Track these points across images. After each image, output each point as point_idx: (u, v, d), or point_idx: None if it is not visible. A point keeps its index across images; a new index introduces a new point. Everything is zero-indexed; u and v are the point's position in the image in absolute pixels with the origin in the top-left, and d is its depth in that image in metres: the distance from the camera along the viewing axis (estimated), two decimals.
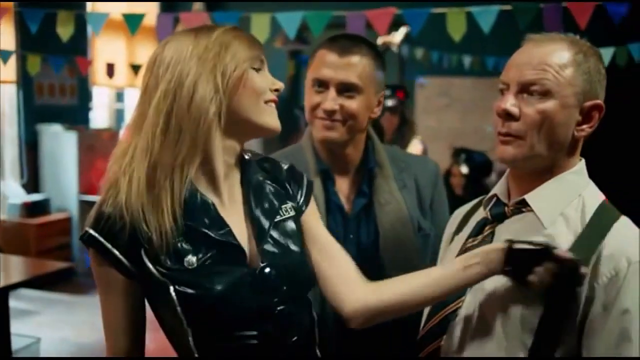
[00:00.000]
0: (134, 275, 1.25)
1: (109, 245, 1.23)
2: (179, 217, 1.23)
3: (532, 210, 1.33)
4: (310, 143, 1.78)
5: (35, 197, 6.37)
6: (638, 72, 5.59)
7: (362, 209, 1.75)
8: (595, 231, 1.25)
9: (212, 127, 1.26)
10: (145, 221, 1.22)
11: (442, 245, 1.63)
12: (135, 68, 5.90)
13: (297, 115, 7.14)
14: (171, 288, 1.21)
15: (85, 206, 6.57)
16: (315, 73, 1.69)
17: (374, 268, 1.65)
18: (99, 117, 7.65)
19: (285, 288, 1.30)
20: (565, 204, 1.31)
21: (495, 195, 1.42)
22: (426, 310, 1.46)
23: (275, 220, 1.36)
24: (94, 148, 6.66)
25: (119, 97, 8.04)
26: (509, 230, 1.35)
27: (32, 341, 4.21)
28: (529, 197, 1.33)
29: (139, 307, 1.31)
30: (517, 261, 1.24)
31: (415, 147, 4.54)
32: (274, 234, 1.34)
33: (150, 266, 1.23)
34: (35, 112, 6.52)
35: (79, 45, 6.58)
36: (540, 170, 1.33)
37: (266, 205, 1.36)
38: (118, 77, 6.22)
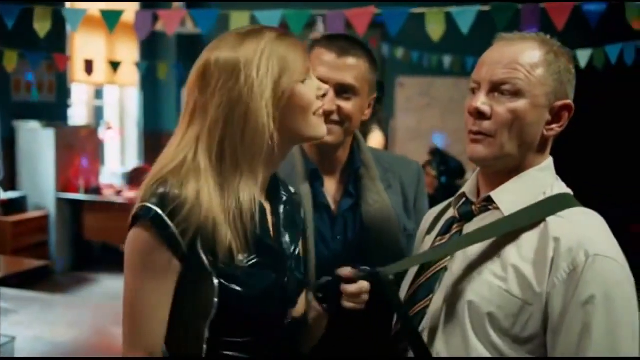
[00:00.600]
0: (185, 259, 1.25)
1: (171, 224, 1.22)
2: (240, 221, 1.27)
3: (498, 208, 1.33)
4: None
5: (12, 194, 6.31)
6: (614, 74, 5.66)
7: (348, 209, 1.75)
8: (543, 207, 1.27)
9: (266, 151, 1.28)
10: (212, 218, 1.24)
11: (415, 245, 1.64)
12: (114, 65, 5.85)
13: None
14: (215, 280, 1.25)
15: (62, 204, 6.52)
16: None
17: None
18: (78, 114, 7.59)
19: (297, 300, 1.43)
20: (530, 200, 1.31)
21: (464, 194, 1.43)
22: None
23: (297, 241, 1.46)
24: (72, 145, 6.62)
25: (98, 94, 7.99)
26: (476, 229, 1.35)
27: (7, 340, 4.17)
28: (495, 194, 1.34)
29: (170, 296, 1.29)
30: (324, 294, 1.43)
31: (376, 136, 4.51)
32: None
33: (202, 254, 1.25)
34: (13, 108, 6.45)
35: (58, 41, 6.51)
36: (509, 169, 1.34)
37: (291, 226, 1.43)
38: (97, 74, 6.17)
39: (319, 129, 1.35)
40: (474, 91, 1.34)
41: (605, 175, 7.25)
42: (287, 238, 1.40)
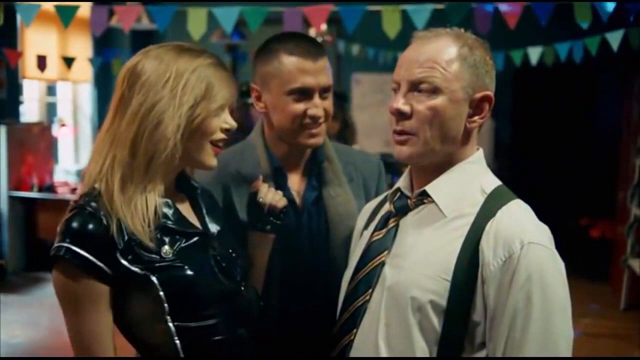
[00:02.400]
0: (112, 278, 1.31)
1: (88, 256, 1.28)
2: (152, 220, 1.34)
3: (433, 201, 1.37)
4: (262, 141, 1.78)
5: None
6: (564, 71, 5.82)
7: (312, 202, 1.78)
8: (485, 212, 1.31)
9: (166, 157, 1.36)
10: (123, 226, 1.31)
11: (352, 240, 1.67)
12: (68, 61, 5.76)
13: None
14: (152, 277, 1.31)
15: (14, 202, 6.40)
16: (296, 83, 1.66)
17: (325, 260, 1.72)
18: (30, 111, 7.44)
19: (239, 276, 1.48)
20: (463, 192, 1.36)
21: (398, 189, 1.46)
22: (339, 307, 1.50)
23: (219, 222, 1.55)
24: (24, 143, 6.49)
25: (51, 90, 7.84)
26: (412, 222, 1.40)
27: None
28: (429, 188, 1.38)
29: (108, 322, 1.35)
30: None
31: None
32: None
33: (127, 264, 1.31)
34: None
35: (8, 36, 6.37)
36: (439, 163, 1.38)
37: (212, 209, 1.54)
38: (49, 69, 6.06)
39: (211, 159, 1.44)
40: (395, 91, 1.38)
41: (555, 171, 7.44)
42: (208, 220, 1.49)
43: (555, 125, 7.54)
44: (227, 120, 1.42)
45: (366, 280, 1.42)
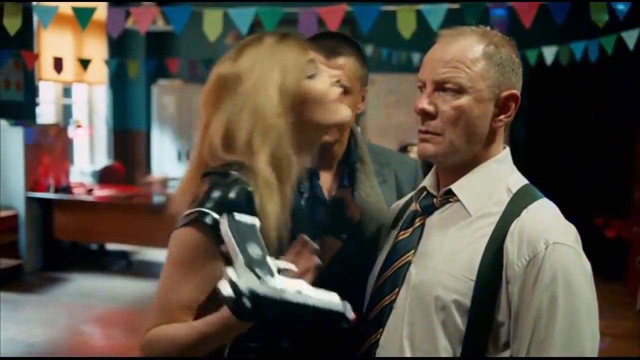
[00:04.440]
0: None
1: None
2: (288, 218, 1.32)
3: (459, 200, 1.36)
4: None
5: None
6: (580, 71, 5.79)
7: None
8: (510, 211, 1.30)
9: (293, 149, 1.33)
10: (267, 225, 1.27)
11: (381, 239, 1.65)
12: (84, 63, 5.82)
13: None
14: None
15: (32, 203, 6.46)
16: None
17: (355, 259, 1.69)
18: (46, 112, 7.51)
19: None
20: (489, 191, 1.35)
21: (424, 187, 1.46)
22: (366, 305, 1.49)
23: None
24: (41, 144, 6.54)
25: (67, 92, 7.91)
26: (438, 221, 1.39)
27: None
28: (455, 187, 1.37)
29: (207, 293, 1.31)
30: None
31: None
32: None
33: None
34: None
35: (25, 39, 6.43)
36: (464, 163, 1.36)
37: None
38: (65, 71, 6.11)
39: (340, 113, 1.40)
40: (421, 90, 1.37)
41: (570, 170, 7.40)
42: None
43: (570, 125, 7.50)
44: (330, 74, 1.40)
45: (392, 279, 1.41)
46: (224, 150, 1.32)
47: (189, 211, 1.28)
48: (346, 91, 1.68)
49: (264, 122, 1.31)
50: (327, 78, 1.39)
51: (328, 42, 1.69)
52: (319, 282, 1.65)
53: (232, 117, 1.32)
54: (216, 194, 1.28)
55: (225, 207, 1.25)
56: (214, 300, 1.27)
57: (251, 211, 1.25)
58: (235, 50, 1.38)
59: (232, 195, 1.27)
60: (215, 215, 1.25)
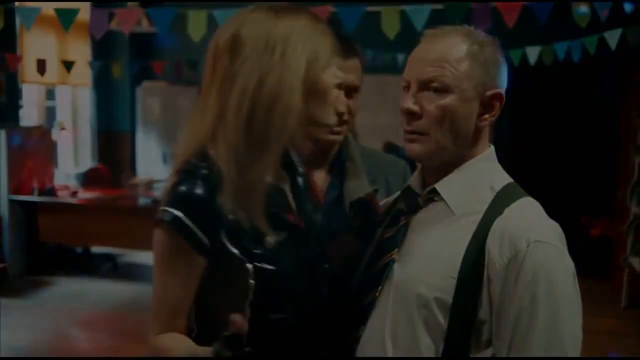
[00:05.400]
0: (209, 253, 1.28)
1: (191, 225, 1.25)
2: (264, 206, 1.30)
3: (443, 199, 1.37)
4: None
5: None
6: (563, 70, 5.83)
7: (333, 201, 1.79)
8: (493, 210, 1.30)
9: (294, 134, 1.31)
10: (233, 209, 1.27)
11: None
12: (67, 65, 5.78)
13: None
14: (249, 265, 1.27)
15: (15, 206, 6.40)
16: None
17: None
18: (29, 115, 7.45)
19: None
20: (473, 190, 1.35)
21: (409, 186, 1.46)
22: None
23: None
24: (24, 147, 6.49)
25: (50, 94, 7.85)
26: (422, 220, 1.40)
27: None
28: (439, 186, 1.37)
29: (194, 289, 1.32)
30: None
31: None
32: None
33: (229, 244, 1.28)
34: None
35: (7, 40, 6.38)
36: (449, 162, 1.37)
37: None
38: (49, 73, 6.07)
39: (331, 117, 1.41)
40: (405, 90, 1.37)
41: (555, 169, 7.45)
42: (309, 207, 1.46)
43: (554, 124, 7.54)
44: (336, 75, 1.40)
45: (375, 277, 1.41)
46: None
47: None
48: (358, 91, 1.74)
49: (288, 100, 1.27)
50: (335, 77, 1.41)
51: (340, 43, 1.70)
52: (316, 278, 1.67)
53: (241, 87, 1.27)
54: (175, 189, 1.28)
55: (180, 200, 1.26)
56: (223, 284, 1.30)
57: (207, 202, 1.25)
58: (266, 13, 1.31)
59: (183, 187, 1.27)
60: (175, 212, 1.26)
